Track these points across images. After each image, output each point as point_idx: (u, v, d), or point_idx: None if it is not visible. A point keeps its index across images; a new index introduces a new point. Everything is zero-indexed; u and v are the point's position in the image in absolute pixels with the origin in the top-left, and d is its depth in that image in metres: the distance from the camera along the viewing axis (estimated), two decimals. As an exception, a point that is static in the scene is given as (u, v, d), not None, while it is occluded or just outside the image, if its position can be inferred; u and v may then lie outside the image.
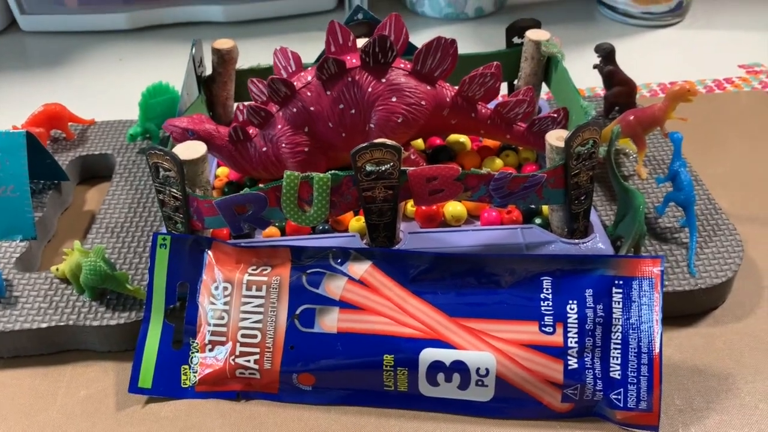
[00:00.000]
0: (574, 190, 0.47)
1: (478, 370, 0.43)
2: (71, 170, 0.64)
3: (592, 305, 0.44)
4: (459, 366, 0.43)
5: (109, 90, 0.84)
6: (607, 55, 0.64)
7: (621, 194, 0.50)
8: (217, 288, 0.47)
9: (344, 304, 0.45)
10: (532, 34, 0.59)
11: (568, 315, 0.44)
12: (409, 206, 0.54)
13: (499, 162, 0.57)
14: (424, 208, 0.52)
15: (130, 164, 0.63)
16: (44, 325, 0.48)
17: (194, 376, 0.46)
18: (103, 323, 0.48)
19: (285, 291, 0.46)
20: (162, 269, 0.47)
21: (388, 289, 0.46)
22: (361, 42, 0.54)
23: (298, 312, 0.45)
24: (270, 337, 0.45)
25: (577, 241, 0.49)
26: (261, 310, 0.46)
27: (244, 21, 0.97)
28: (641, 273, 0.44)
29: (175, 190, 0.46)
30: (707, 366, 0.47)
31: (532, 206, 0.53)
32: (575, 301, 0.44)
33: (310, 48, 0.63)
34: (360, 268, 0.46)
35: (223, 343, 0.46)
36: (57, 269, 0.51)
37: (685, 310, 0.50)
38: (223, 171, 0.59)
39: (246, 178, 0.57)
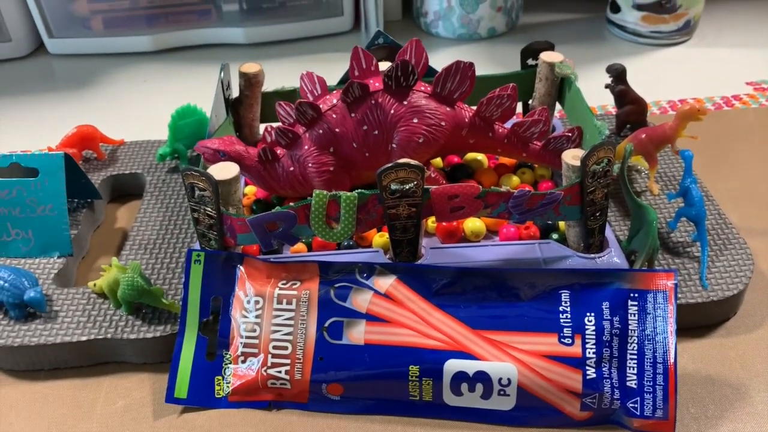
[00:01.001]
0: (589, 206, 0.49)
1: (500, 380, 0.45)
2: (103, 189, 0.67)
3: (608, 317, 0.46)
4: (482, 376, 0.45)
5: (134, 110, 0.87)
6: (618, 75, 0.67)
7: (634, 210, 0.52)
8: (249, 302, 0.49)
9: (371, 317, 0.47)
10: (546, 56, 0.62)
11: (586, 327, 0.46)
12: (430, 222, 0.56)
13: (515, 179, 0.60)
14: (444, 224, 0.54)
15: (160, 183, 0.66)
16: (83, 339, 0.50)
17: (227, 386, 0.48)
18: (140, 336, 0.50)
19: (314, 304, 0.48)
20: (196, 284, 0.49)
21: (412, 302, 0.48)
22: (382, 65, 0.57)
23: (326, 324, 0.48)
24: (300, 349, 0.47)
25: (593, 255, 0.51)
26: (291, 322, 0.48)
27: (264, 42, 1.00)
28: (656, 286, 0.46)
29: (209, 209, 0.48)
30: (720, 375, 0.48)
31: (549, 222, 0.55)
32: (593, 314, 0.46)
33: (327, 68, 0.66)
34: (385, 282, 0.48)
35: (255, 355, 0.48)
36: (94, 284, 0.53)
37: (698, 321, 0.52)
38: (251, 189, 0.62)
39: (273, 196, 0.60)
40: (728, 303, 0.51)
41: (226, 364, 0.48)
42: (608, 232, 0.53)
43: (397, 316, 0.47)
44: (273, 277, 0.50)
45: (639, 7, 0.93)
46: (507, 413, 0.46)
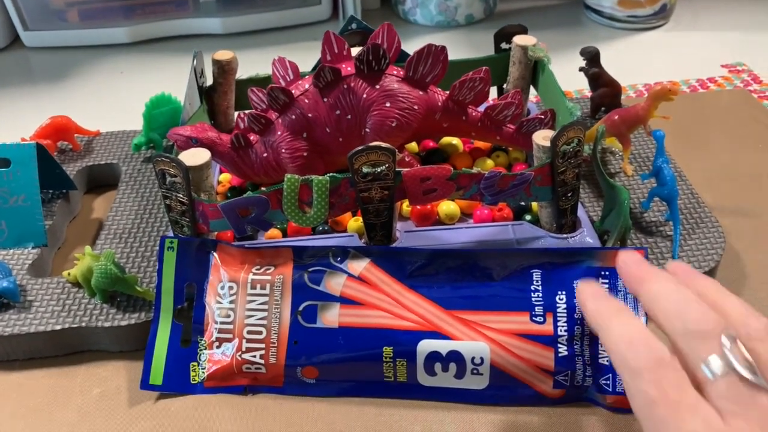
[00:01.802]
0: (561, 187, 0.50)
1: (473, 359, 0.45)
2: (78, 180, 0.66)
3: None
4: (455, 356, 0.45)
5: (111, 102, 0.86)
6: (591, 57, 0.67)
7: (607, 190, 0.53)
8: (222, 288, 0.49)
9: (345, 300, 0.48)
10: (519, 39, 0.62)
11: (557, 305, 0.46)
12: (405, 206, 0.56)
13: (490, 162, 0.60)
14: (419, 207, 0.55)
15: (135, 173, 0.66)
16: (58, 327, 0.50)
17: (203, 372, 0.48)
18: (114, 324, 0.50)
19: (288, 289, 0.48)
20: (170, 271, 0.49)
21: (386, 285, 0.48)
22: (355, 51, 0.57)
23: (300, 308, 0.48)
24: (275, 333, 0.47)
25: (565, 235, 0.51)
26: (265, 307, 0.48)
27: (241, 32, 0.99)
28: None
29: (181, 195, 0.48)
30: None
31: (522, 204, 0.55)
32: (564, 292, 0.46)
33: (306, 56, 0.66)
34: (359, 266, 0.48)
35: (229, 340, 0.48)
36: (69, 274, 0.53)
37: (671, 299, 0.52)
38: (226, 177, 0.62)
39: (248, 183, 0.60)
40: (700, 280, 0.52)
41: (201, 350, 0.48)
42: (581, 213, 0.53)
43: (370, 298, 0.48)
44: (247, 262, 0.50)
45: (615, -8, 0.93)
46: (481, 392, 0.46)
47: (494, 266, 0.48)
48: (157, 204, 0.61)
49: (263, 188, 0.48)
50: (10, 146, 0.57)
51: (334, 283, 0.48)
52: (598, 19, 0.97)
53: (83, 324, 0.50)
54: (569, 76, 0.72)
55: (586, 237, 0.51)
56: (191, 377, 0.48)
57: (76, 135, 0.70)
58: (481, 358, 0.45)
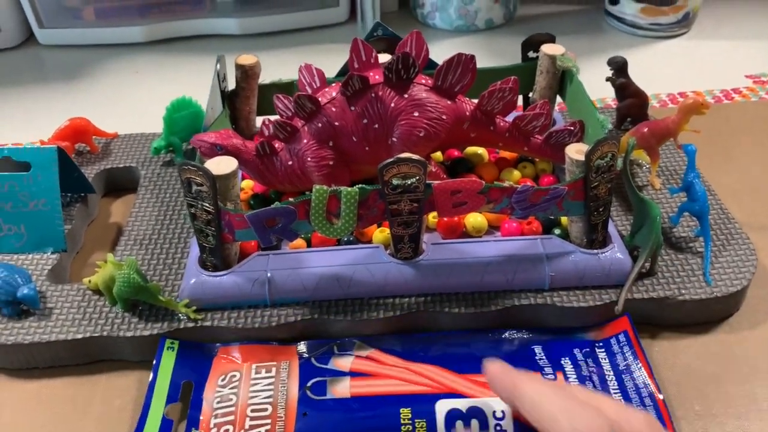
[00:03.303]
0: (593, 201, 0.49)
1: (494, 413, 0.43)
2: (96, 183, 0.65)
3: (582, 359, 0.47)
4: (476, 412, 0.43)
5: (125, 102, 0.86)
6: (619, 68, 0.66)
7: (637, 205, 0.52)
8: (224, 379, 0.47)
9: (354, 374, 0.46)
10: (547, 48, 0.61)
11: (564, 366, 0.47)
12: (431, 218, 0.55)
13: (516, 173, 0.59)
14: (446, 219, 0.54)
15: (155, 177, 0.65)
16: (79, 336, 0.49)
17: None
18: (136, 334, 0.49)
19: (295, 369, 0.47)
20: (167, 371, 0.47)
21: (394, 361, 0.48)
22: (381, 58, 0.56)
23: (309, 384, 0.46)
24: (282, 408, 0.45)
25: (596, 251, 0.50)
26: (271, 387, 0.46)
27: (258, 33, 0.98)
28: (614, 331, 0.49)
29: (207, 204, 0.47)
30: (725, 372, 0.48)
31: (552, 217, 0.54)
32: (567, 358, 0.47)
33: (323, 60, 0.65)
34: (365, 352, 0.48)
35: (232, 423, 0.44)
36: (89, 281, 0.52)
37: (702, 318, 0.51)
38: (248, 184, 0.61)
39: (270, 190, 0.59)
40: (732, 299, 0.51)
41: None
42: (611, 228, 0.52)
43: (382, 369, 0.47)
44: (250, 360, 0.48)
45: (638, -1, 0.92)
46: None
47: (495, 345, 0.49)
48: (178, 210, 0.61)
49: (290, 198, 0.47)
50: (30, 149, 0.56)
51: (343, 362, 0.47)
52: (619, 26, 0.96)
53: (105, 333, 0.49)
54: (590, 85, 0.70)
55: (617, 253, 0.51)
56: None
57: (94, 137, 0.69)
58: (503, 412, 0.43)
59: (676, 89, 0.82)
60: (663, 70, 0.87)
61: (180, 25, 0.97)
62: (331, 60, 0.62)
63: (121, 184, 0.68)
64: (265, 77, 0.63)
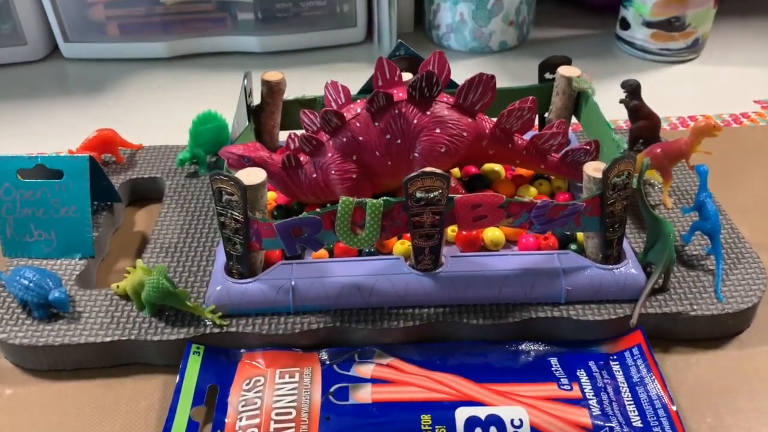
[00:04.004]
0: (609, 218, 0.50)
1: (512, 421, 0.45)
2: (121, 192, 0.67)
3: (597, 371, 0.49)
4: (494, 419, 0.45)
5: (147, 116, 0.88)
6: (633, 90, 0.68)
7: (651, 223, 0.53)
8: (249, 383, 0.49)
9: (376, 380, 0.48)
10: (563, 70, 0.63)
11: (580, 377, 0.48)
12: (450, 231, 0.57)
13: (533, 190, 0.60)
14: (465, 233, 0.55)
15: (180, 187, 0.67)
16: (107, 339, 0.51)
17: None
18: (163, 338, 0.51)
19: (318, 375, 0.49)
20: (192, 374, 0.49)
21: (415, 369, 0.49)
22: (403, 76, 0.58)
23: (332, 390, 0.48)
24: (305, 412, 0.46)
25: (611, 266, 0.52)
26: (295, 392, 0.48)
27: (278, 51, 1.01)
28: (628, 344, 0.50)
29: (236, 213, 0.49)
30: (736, 386, 0.49)
31: (568, 233, 0.56)
32: (582, 369, 0.49)
33: (340, 78, 0.66)
34: (386, 360, 0.50)
35: (256, 426, 0.46)
36: (117, 286, 0.54)
37: (713, 333, 0.53)
38: (271, 195, 0.62)
39: (294, 201, 0.60)
40: (743, 315, 0.52)
41: None
42: (625, 244, 0.54)
43: (402, 376, 0.48)
44: (273, 366, 0.50)
45: (648, 25, 0.94)
46: None
47: (512, 357, 0.50)
48: (203, 219, 0.62)
49: (316, 209, 0.49)
50: (63, 158, 0.58)
51: (364, 369, 0.49)
52: (630, 51, 0.98)
53: (132, 337, 0.51)
54: (601, 107, 0.72)
55: (631, 269, 0.52)
56: None
57: (120, 148, 0.71)
58: (521, 420, 0.45)
59: (686, 113, 0.84)
60: (673, 94, 0.89)
61: (202, 41, 0.99)
62: (348, 78, 0.64)
63: (145, 194, 0.70)
64: (286, 94, 0.65)
